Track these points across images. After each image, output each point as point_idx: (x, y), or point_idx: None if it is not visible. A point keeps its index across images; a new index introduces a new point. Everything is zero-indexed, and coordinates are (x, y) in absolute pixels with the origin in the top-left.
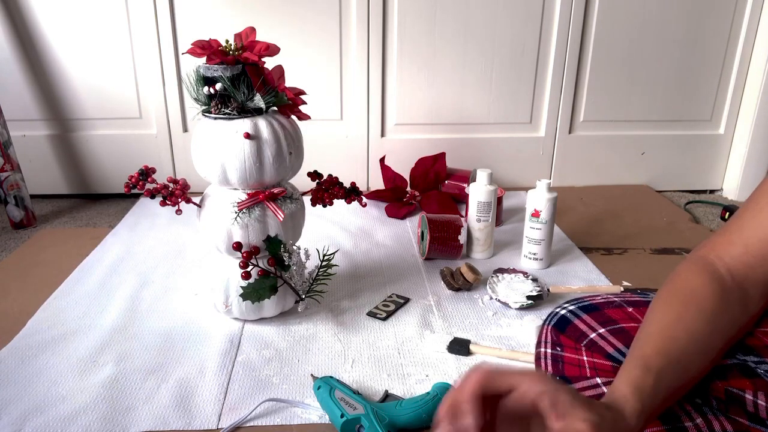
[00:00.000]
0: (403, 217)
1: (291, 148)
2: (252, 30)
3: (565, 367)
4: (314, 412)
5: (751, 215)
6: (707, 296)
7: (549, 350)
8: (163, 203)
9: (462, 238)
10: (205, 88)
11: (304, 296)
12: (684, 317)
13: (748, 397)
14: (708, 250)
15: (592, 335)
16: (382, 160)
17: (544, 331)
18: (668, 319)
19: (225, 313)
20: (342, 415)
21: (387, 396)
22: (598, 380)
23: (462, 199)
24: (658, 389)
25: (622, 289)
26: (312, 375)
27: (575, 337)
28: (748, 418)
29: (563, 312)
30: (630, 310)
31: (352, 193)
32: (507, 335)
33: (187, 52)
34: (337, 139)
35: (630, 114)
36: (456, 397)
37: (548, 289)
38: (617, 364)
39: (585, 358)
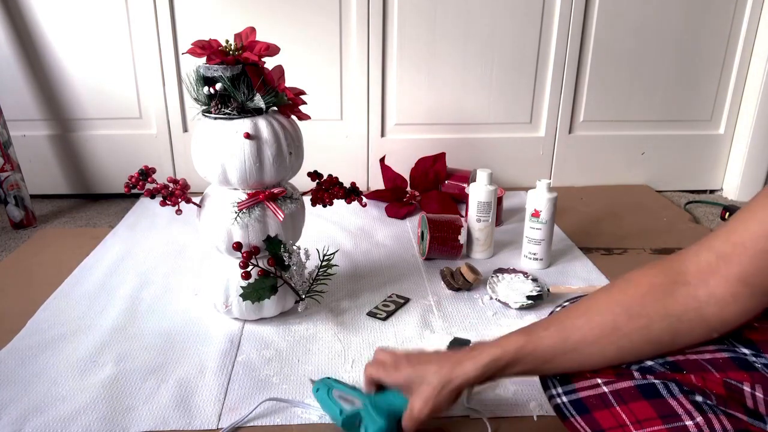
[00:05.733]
0: (403, 217)
1: (291, 148)
2: (252, 30)
3: None
4: (314, 412)
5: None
6: (635, 284)
7: None
8: (163, 203)
9: (462, 238)
10: (205, 88)
11: (304, 296)
12: (590, 305)
13: (747, 389)
14: (679, 254)
15: None
16: (382, 160)
17: None
18: (575, 308)
19: (225, 313)
20: (341, 412)
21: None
22: (599, 380)
23: (462, 199)
24: (521, 352)
25: None
26: (310, 380)
27: None
28: (747, 413)
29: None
30: None
31: (352, 193)
32: None
33: (187, 52)
34: (337, 139)
35: (630, 114)
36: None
37: (548, 289)
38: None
39: None
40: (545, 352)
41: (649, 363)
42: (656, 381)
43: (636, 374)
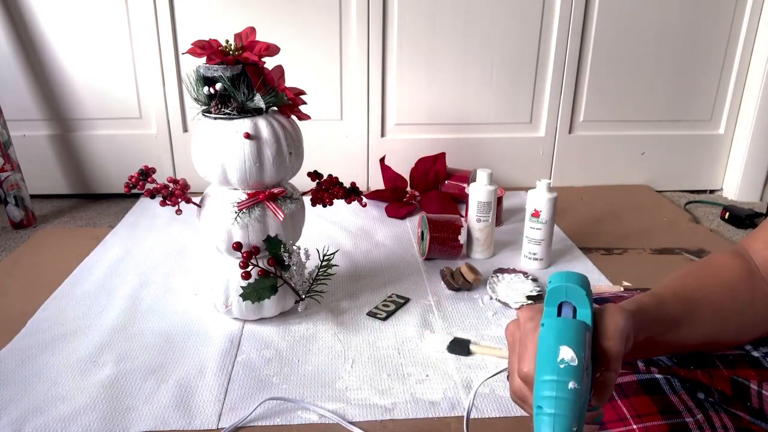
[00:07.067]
0: (403, 217)
1: (291, 148)
2: (252, 30)
3: None
4: (314, 412)
5: None
6: (730, 267)
7: None
8: (163, 203)
9: (462, 238)
10: (205, 88)
11: (304, 296)
12: (703, 280)
13: (753, 387)
14: (741, 243)
15: None
16: (382, 160)
17: None
18: (685, 279)
19: (225, 313)
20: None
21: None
22: None
23: (462, 199)
24: (659, 310)
25: (621, 289)
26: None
27: None
28: (749, 413)
29: None
30: None
31: (352, 193)
32: None
33: (187, 52)
34: (337, 139)
35: (630, 114)
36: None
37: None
38: None
39: None
40: (673, 317)
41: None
42: (659, 376)
43: (641, 366)
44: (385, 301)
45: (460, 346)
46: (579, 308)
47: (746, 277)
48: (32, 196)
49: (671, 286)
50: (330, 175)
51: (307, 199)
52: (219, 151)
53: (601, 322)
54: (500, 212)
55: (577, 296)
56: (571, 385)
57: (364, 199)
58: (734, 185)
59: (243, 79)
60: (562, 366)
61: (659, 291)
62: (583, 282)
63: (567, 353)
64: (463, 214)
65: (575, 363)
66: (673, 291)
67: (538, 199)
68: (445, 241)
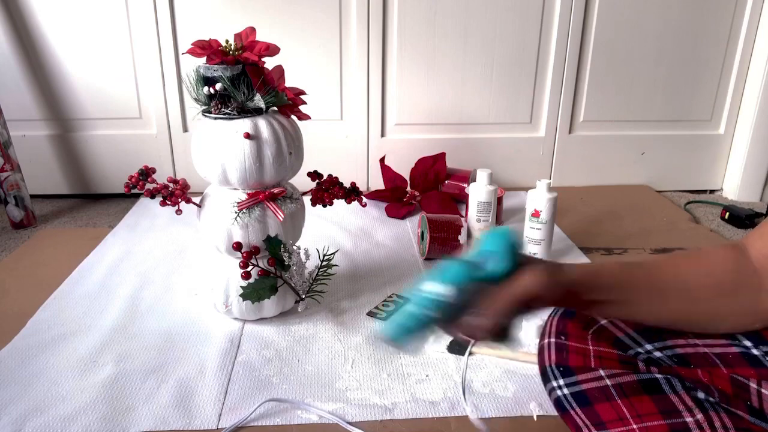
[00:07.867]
0: (403, 217)
1: (291, 148)
2: (252, 30)
3: (569, 356)
4: (314, 412)
5: None
6: (716, 254)
7: (553, 340)
8: (163, 203)
9: (462, 238)
10: (205, 88)
11: (304, 296)
12: (678, 260)
13: (753, 386)
14: (742, 239)
15: (603, 321)
16: (382, 160)
17: (549, 322)
18: (661, 258)
19: (225, 313)
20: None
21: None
22: (602, 372)
23: (462, 199)
24: (598, 275)
25: None
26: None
27: (584, 323)
28: (749, 412)
29: None
30: None
31: (352, 193)
32: None
33: (187, 52)
34: (337, 139)
35: (630, 114)
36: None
37: None
38: (623, 353)
39: (590, 347)
40: (637, 288)
41: (657, 354)
42: (659, 376)
43: (641, 366)
44: (385, 301)
45: (460, 346)
46: (495, 265)
47: (732, 264)
48: (32, 196)
49: (636, 262)
50: (330, 175)
51: (307, 199)
52: (219, 151)
53: (512, 280)
54: (500, 212)
55: (498, 259)
56: (424, 310)
57: (364, 199)
58: (734, 185)
59: (243, 79)
60: (424, 293)
61: (611, 263)
62: (509, 244)
63: (435, 287)
64: (463, 214)
65: (433, 296)
66: (630, 265)
67: (538, 199)
68: (445, 241)
